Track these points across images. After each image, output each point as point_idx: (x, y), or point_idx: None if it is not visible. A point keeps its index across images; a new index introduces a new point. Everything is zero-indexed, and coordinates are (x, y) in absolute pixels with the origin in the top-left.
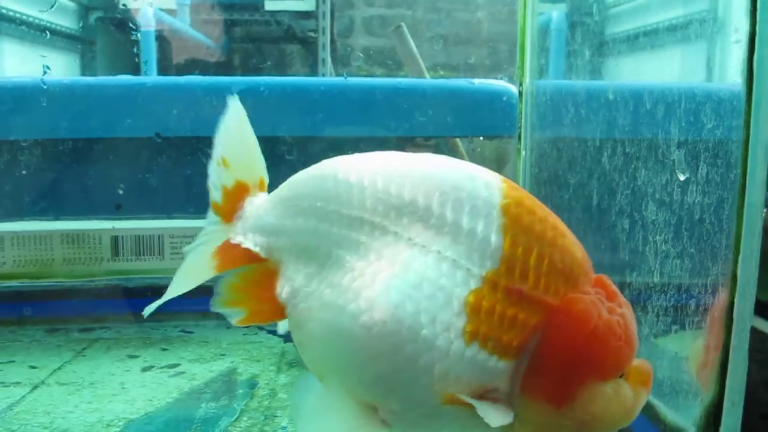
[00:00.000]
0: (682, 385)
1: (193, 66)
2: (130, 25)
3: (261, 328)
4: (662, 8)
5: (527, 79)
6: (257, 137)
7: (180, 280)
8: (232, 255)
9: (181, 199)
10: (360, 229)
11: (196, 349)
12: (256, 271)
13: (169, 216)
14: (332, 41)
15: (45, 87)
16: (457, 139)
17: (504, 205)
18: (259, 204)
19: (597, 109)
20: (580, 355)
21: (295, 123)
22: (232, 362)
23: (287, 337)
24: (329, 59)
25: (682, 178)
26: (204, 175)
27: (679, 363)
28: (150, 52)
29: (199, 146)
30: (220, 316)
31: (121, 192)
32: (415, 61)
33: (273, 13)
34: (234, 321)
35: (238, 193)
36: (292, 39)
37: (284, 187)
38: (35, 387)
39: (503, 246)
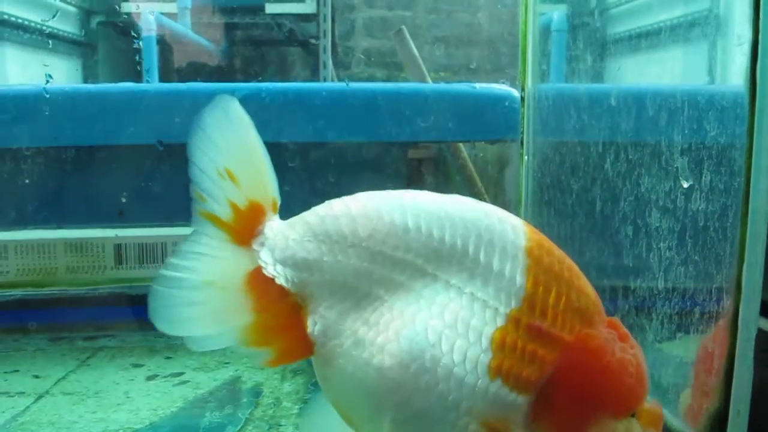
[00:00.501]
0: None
1: (195, 69)
2: (132, 29)
3: None
4: (663, 8)
5: (529, 83)
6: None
7: (208, 319)
8: (267, 291)
9: (184, 206)
10: (402, 271)
11: (199, 358)
12: (284, 307)
13: (172, 224)
14: (333, 44)
15: (47, 95)
16: (460, 144)
17: (528, 248)
18: (282, 232)
19: (600, 114)
20: (593, 389)
21: (296, 129)
22: (236, 370)
23: None
24: (330, 62)
25: (685, 185)
26: None
27: (685, 368)
28: (151, 57)
29: None
30: None
31: (124, 200)
32: (416, 65)
33: (274, 16)
34: (262, 363)
35: (252, 215)
36: (293, 42)
37: (317, 221)
38: (40, 397)
39: (526, 285)
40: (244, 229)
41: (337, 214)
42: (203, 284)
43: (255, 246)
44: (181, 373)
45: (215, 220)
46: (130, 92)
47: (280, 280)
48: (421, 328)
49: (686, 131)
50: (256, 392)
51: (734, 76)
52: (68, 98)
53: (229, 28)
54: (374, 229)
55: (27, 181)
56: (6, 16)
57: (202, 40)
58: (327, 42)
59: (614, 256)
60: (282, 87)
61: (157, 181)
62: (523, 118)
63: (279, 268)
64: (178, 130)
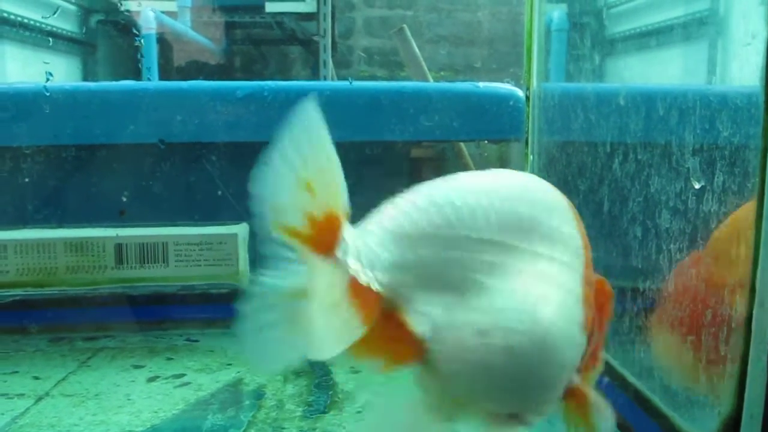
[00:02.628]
0: (698, 396)
1: (195, 68)
2: (132, 28)
3: None
4: (664, 8)
5: (534, 82)
6: (264, 142)
7: (327, 339)
8: (366, 300)
9: (186, 206)
10: (491, 250)
11: (201, 359)
12: (384, 314)
13: (174, 223)
14: (333, 43)
15: (48, 93)
16: (462, 144)
17: (568, 205)
18: (360, 238)
19: (608, 113)
20: (605, 320)
21: None
22: (238, 372)
23: None
24: (330, 61)
25: (697, 186)
26: (207, 182)
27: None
28: (151, 55)
29: (204, 152)
30: (225, 324)
31: (125, 199)
32: (417, 63)
33: (274, 15)
34: (375, 371)
35: (330, 224)
36: (293, 41)
37: (390, 221)
38: (39, 399)
39: (581, 243)
40: (325, 240)
41: (408, 210)
42: (317, 308)
43: (339, 255)
44: (183, 375)
45: (296, 235)
46: (131, 90)
47: (376, 286)
48: (534, 300)
49: (698, 131)
50: (259, 394)
51: (746, 75)
52: (69, 96)
53: (229, 26)
54: (449, 215)
55: (27, 179)
56: (6, 14)
57: (202, 39)
58: (327, 41)
59: (623, 257)
60: (284, 85)
61: (159, 180)
62: (528, 117)
63: (370, 273)
64: (179, 129)
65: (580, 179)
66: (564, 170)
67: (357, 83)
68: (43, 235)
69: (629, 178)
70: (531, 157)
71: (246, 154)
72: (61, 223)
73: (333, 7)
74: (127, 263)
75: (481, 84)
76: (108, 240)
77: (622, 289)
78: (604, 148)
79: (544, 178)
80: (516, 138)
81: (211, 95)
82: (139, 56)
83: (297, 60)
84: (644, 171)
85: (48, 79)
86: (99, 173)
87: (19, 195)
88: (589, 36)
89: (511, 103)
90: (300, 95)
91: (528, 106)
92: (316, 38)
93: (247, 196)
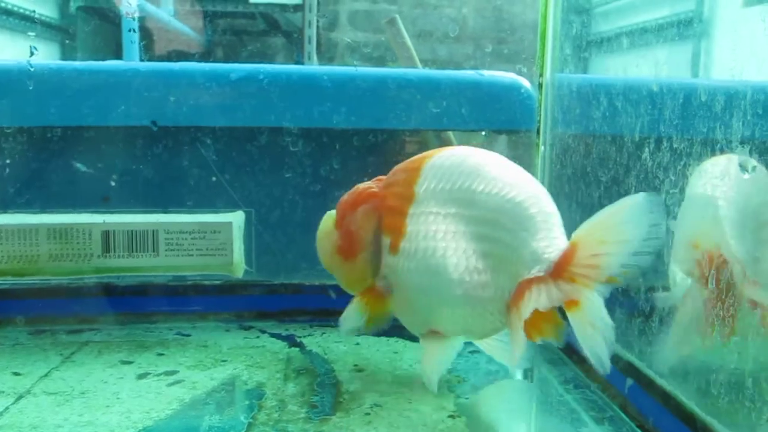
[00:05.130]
0: (743, 401)
1: (175, 57)
2: (112, 14)
3: (263, 332)
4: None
5: (548, 71)
6: (259, 128)
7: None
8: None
9: (178, 191)
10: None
11: (194, 354)
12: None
13: (165, 209)
14: (317, 35)
15: (32, 69)
16: (451, 134)
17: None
18: None
19: (638, 101)
20: None
21: (300, 113)
22: (234, 369)
23: (291, 341)
24: (315, 53)
25: (746, 176)
26: (202, 167)
27: (740, 376)
28: (132, 43)
29: (198, 136)
30: (218, 318)
31: (113, 183)
32: (409, 56)
33: (257, 5)
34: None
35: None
36: (276, 32)
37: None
38: (20, 397)
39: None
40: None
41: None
42: None
43: None
44: (175, 372)
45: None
46: (122, 70)
47: None
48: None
49: (744, 123)
50: (259, 394)
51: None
52: (55, 74)
53: (212, 16)
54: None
55: (8, 161)
56: None
57: (184, 28)
58: (312, 32)
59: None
60: (285, 69)
61: (150, 163)
62: (540, 106)
63: None
64: (173, 111)
65: (601, 170)
66: (582, 161)
67: (362, 68)
68: (24, 221)
69: (662, 169)
70: (542, 147)
71: (243, 139)
72: (44, 209)
73: None
74: (115, 252)
75: (486, 72)
76: (94, 227)
77: (652, 287)
78: (632, 138)
79: (557, 169)
80: (526, 128)
81: (205, 76)
82: (117, 43)
83: (279, 51)
84: (681, 161)
85: (32, 54)
86: (86, 156)
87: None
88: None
89: (522, 92)
90: (302, 79)
91: (540, 94)
92: (298, 30)
93: (243, 183)
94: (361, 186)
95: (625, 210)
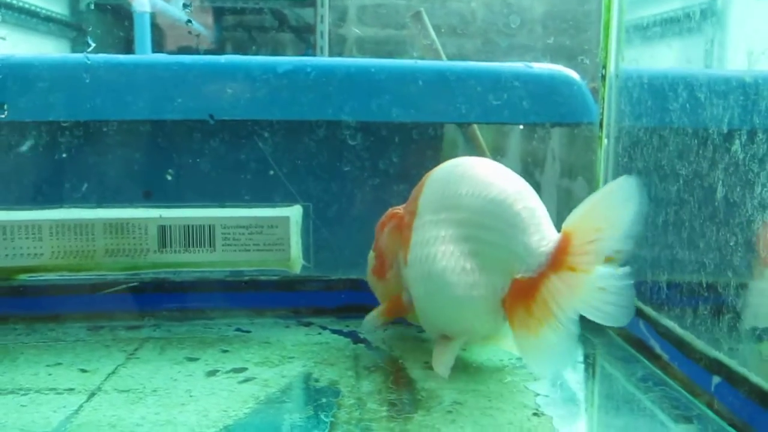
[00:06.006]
0: None
1: (185, 53)
2: (124, 10)
3: (324, 328)
4: None
5: (612, 63)
6: (314, 121)
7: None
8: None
9: (235, 186)
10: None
11: (259, 351)
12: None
13: (222, 204)
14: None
15: (89, 62)
16: (476, 127)
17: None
18: None
19: (726, 93)
20: None
21: (359, 106)
22: (303, 366)
23: (355, 338)
24: (327, 48)
25: None
26: (259, 161)
27: None
28: (144, 39)
29: (255, 129)
30: (275, 314)
31: (169, 177)
32: (434, 49)
33: (267, 0)
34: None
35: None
36: (285, 28)
37: None
38: (92, 394)
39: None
40: None
41: None
42: None
43: None
44: (244, 369)
45: None
46: (179, 63)
47: None
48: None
49: None
50: (334, 392)
51: None
52: (112, 68)
53: (222, 12)
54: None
55: (64, 155)
56: None
57: (195, 24)
58: (325, 27)
59: (744, 247)
60: (343, 62)
61: (207, 157)
62: (602, 98)
63: None
64: (230, 104)
65: (680, 163)
66: (655, 154)
67: (422, 62)
68: (80, 216)
69: (757, 162)
70: (605, 140)
71: (301, 133)
72: (100, 203)
73: None
74: (171, 247)
75: (535, 65)
76: (151, 222)
77: (744, 284)
78: (719, 130)
79: (624, 162)
80: (588, 121)
81: (261, 69)
82: (129, 39)
83: (288, 47)
84: None
85: (89, 47)
86: (143, 150)
87: (56, 172)
88: None
89: (576, 84)
90: (361, 73)
91: (603, 87)
92: (310, 24)
93: (300, 177)
94: (395, 206)
95: (616, 195)
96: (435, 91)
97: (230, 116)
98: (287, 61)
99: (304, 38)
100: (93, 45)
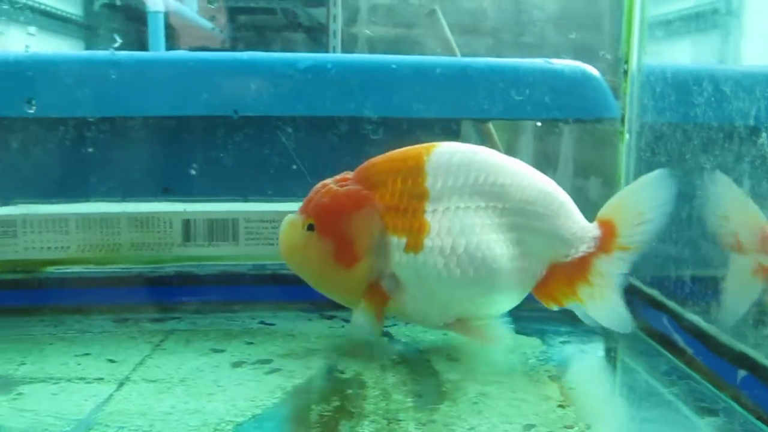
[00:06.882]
0: None
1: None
2: (136, 10)
3: (347, 321)
4: None
5: (635, 57)
6: (340, 117)
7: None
8: None
9: (258, 180)
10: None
11: (283, 344)
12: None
13: (245, 199)
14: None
15: (116, 59)
16: (491, 125)
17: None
18: None
19: (751, 86)
20: None
21: (380, 102)
22: (328, 358)
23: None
24: (340, 47)
25: None
26: (282, 156)
27: None
28: (158, 38)
29: (278, 124)
30: (297, 307)
31: (193, 172)
32: (449, 48)
33: (280, 0)
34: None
35: None
36: (297, 27)
37: None
38: (121, 384)
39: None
40: None
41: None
42: None
43: None
44: (269, 360)
45: None
46: (203, 60)
47: None
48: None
49: None
50: (360, 383)
51: None
52: (138, 65)
53: (234, 12)
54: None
55: (90, 150)
56: None
57: (207, 24)
58: (338, 26)
59: None
60: (364, 58)
61: (230, 152)
62: (624, 94)
63: None
64: (254, 100)
65: (704, 156)
66: (679, 148)
67: (443, 57)
68: (106, 209)
69: None
70: (627, 135)
71: (323, 128)
72: (125, 198)
73: None
74: (195, 241)
75: (555, 61)
76: (175, 216)
77: None
78: (745, 124)
79: (647, 156)
80: (609, 116)
81: (282, 65)
82: (141, 39)
83: (300, 47)
84: None
85: (116, 44)
86: (167, 145)
87: (82, 167)
88: None
89: (596, 79)
90: (382, 68)
91: (625, 82)
92: (322, 24)
93: (322, 171)
94: (330, 186)
95: (652, 184)
96: (456, 86)
97: (254, 112)
98: (308, 57)
99: (316, 38)
100: (119, 41)
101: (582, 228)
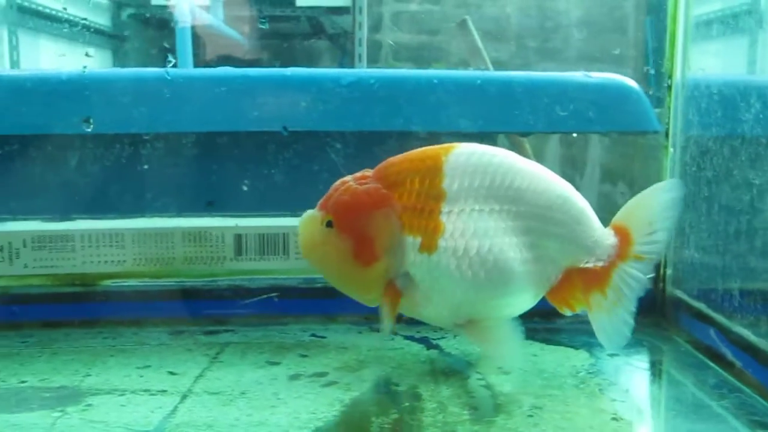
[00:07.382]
0: None
1: (223, 62)
2: (165, 21)
3: (395, 334)
4: None
5: (679, 71)
6: (382, 132)
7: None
8: None
9: (307, 195)
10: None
11: (337, 356)
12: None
13: (294, 213)
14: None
15: (169, 78)
16: (525, 141)
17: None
18: None
19: None
20: None
21: (427, 117)
22: (382, 371)
23: (427, 344)
24: (366, 55)
25: None
26: (330, 171)
27: None
28: (186, 50)
29: (327, 140)
30: (346, 320)
31: (245, 188)
32: (481, 58)
33: (304, 9)
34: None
35: None
36: (321, 35)
37: None
38: (184, 396)
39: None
40: None
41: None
42: None
43: None
44: (325, 373)
45: None
46: (254, 77)
47: None
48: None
49: None
50: (415, 395)
51: None
52: (190, 82)
53: (258, 20)
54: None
55: (146, 167)
56: (41, 8)
57: (233, 33)
58: (363, 34)
59: None
60: (412, 74)
61: (280, 168)
62: (668, 109)
63: None
64: (303, 116)
65: (753, 172)
66: (726, 163)
67: (487, 72)
68: (161, 225)
69: None
70: (671, 149)
71: (371, 143)
72: (179, 213)
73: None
74: (246, 255)
75: (593, 74)
76: (227, 230)
77: None
78: None
79: (692, 171)
80: (653, 130)
81: (335, 81)
82: (168, 51)
83: (324, 55)
84: None
85: (170, 62)
86: (219, 161)
87: (138, 183)
88: None
89: (636, 93)
90: (428, 84)
91: (669, 96)
92: (347, 31)
93: None
94: (350, 184)
95: (664, 194)
96: (501, 101)
97: (303, 127)
98: (350, 73)
99: (341, 45)
100: (174, 60)
101: (601, 235)
